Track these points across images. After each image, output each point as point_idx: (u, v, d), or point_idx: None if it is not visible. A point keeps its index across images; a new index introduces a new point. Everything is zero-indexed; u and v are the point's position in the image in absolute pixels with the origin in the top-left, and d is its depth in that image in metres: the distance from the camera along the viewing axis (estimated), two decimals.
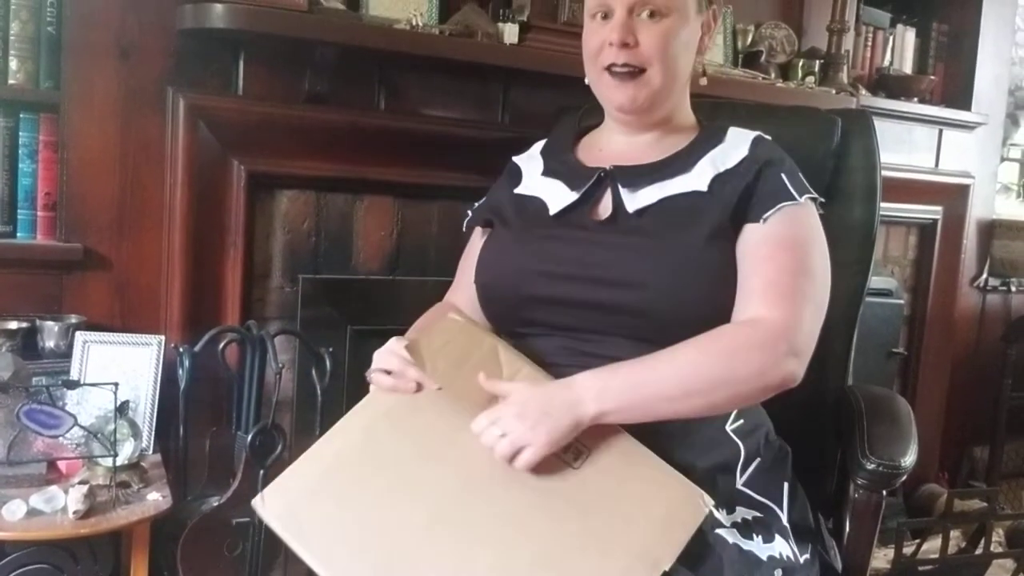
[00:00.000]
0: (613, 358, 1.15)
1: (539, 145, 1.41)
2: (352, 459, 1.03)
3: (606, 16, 1.23)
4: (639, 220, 1.20)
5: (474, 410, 1.07)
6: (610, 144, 1.31)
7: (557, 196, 1.26)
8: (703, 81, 1.32)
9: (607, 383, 1.06)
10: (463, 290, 1.37)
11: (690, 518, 1.01)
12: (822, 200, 1.25)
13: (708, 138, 1.28)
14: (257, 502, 1.02)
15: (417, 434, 1.06)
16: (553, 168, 1.32)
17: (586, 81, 1.30)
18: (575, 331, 1.19)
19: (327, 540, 0.97)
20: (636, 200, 1.21)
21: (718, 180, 1.21)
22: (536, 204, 1.28)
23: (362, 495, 1.00)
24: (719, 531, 1.07)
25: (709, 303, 1.15)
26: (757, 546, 1.08)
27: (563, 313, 1.19)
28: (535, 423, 1.02)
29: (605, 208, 1.24)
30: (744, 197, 1.19)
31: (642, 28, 1.20)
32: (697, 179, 1.22)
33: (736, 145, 1.25)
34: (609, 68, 1.23)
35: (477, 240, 1.37)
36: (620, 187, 1.22)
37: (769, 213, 1.18)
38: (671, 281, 1.14)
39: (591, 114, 1.40)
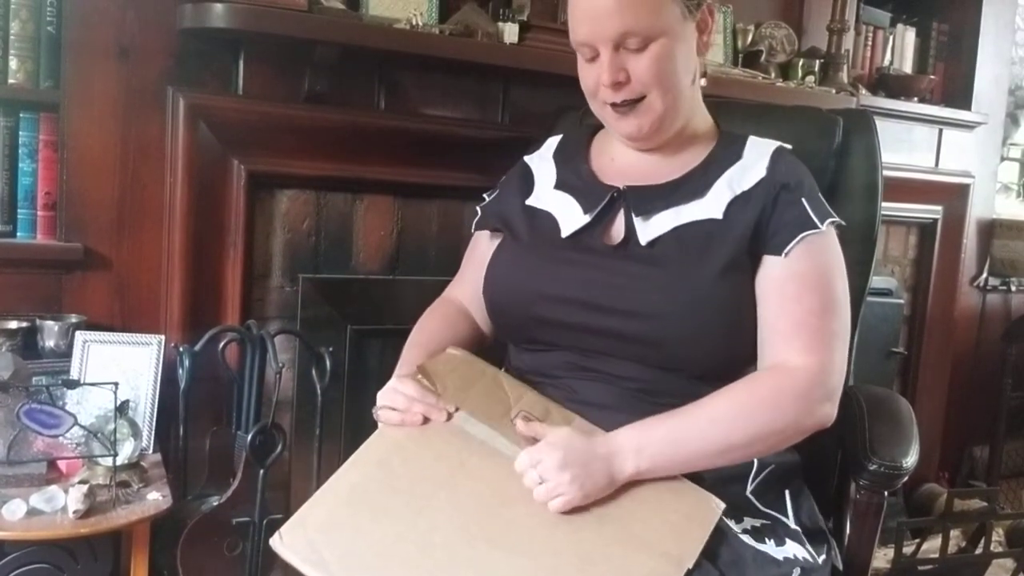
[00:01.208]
0: (616, 376, 1.15)
1: (552, 144, 1.37)
2: (368, 489, 1.04)
3: (593, 54, 1.17)
4: (652, 249, 1.17)
5: (485, 432, 1.08)
6: (624, 156, 1.27)
7: (570, 216, 1.23)
8: (703, 82, 1.27)
9: (646, 443, 1.06)
10: (466, 285, 1.36)
11: (706, 518, 1.03)
12: (842, 223, 1.21)
13: (726, 152, 1.23)
14: (275, 541, 1.01)
15: (430, 461, 1.06)
16: (566, 181, 1.28)
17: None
18: (582, 351, 1.18)
19: (350, 570, 0.97)
20: (649, 229, 1.18)
21: (734, 205, 1.17)
22: (548, 221, 1.25)
23: (381, 523, 1.00)
24: (734, 533, 1.08)
25: (720, 334, 1.14)
26: (771, 548, 1.09)
27: (571, 336, 1.18)
28: (573, 476, 1.02)
29: (617, 232, 1.20)
30: (760, 225, 1.16)
31: (631, 60, 1.15)
32: (713, 204, 1.18)
33: (755, 162, 1.21)
34: (611, 104, 1.19)
35: (484, 241, 1.35)
36: (633, 213, 1.19)
37: (791, 247, 1.14)
38: (683, 313, 1.12)
39: (592, 113, 1.39)
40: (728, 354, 1.16)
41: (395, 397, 1.11)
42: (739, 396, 1.10)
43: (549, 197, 1.28)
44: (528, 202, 1.30)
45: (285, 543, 1.00)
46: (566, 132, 1.40)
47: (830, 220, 1.18)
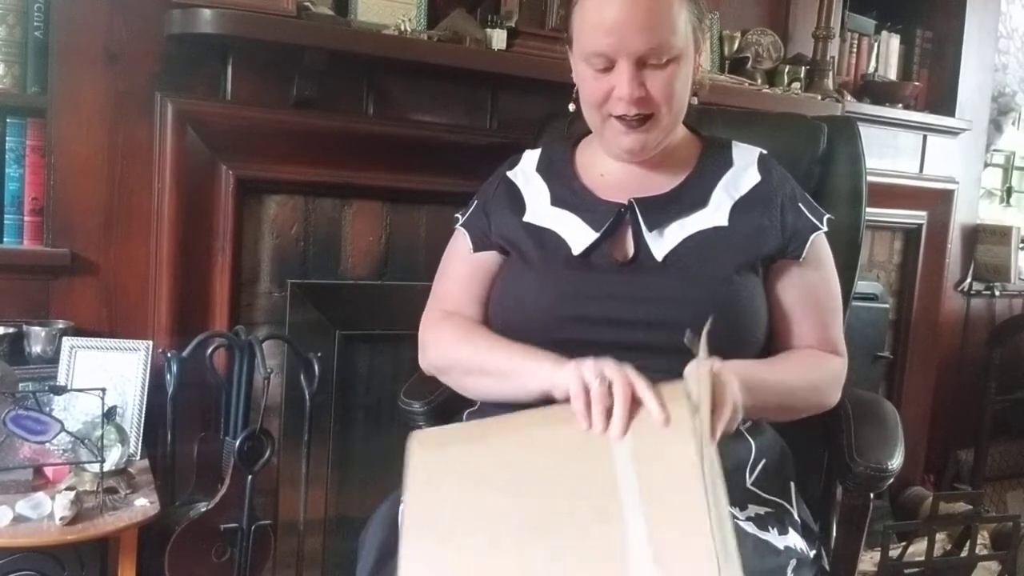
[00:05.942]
0: None
1: (531, 159, 1.35)
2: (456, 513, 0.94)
3: (607, 65, 1.15)
4: (663, 262, 1.19)
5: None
6: (613, 171, 1.27)
7: (577, 233, 1.23)
8: (694, 100, 1.28)
9: (750, 384, 1.05)
10: (474, 306, 1.31)
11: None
12: (831, 217, 1.28)
13: (715, 159, 1.27)
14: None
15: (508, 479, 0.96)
16: (562, 198, 1.27)
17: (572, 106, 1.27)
18: None
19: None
20: (661, 244, 1.20)
21: (736, 210, 1.23)
22: (554, 240, 1.24)
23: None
24: (737, 522, 1.07)
25: (741, 334, 1.18)
26: (773, 537, 1.10)
27: (596, 355, 1.15)
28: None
29: (628, 247, 1.21)
30: (773, 235, 1.23)
31: (649, 75, 1.15)
32: (716, 213, 1.22)
33: (745, 167, 1.27)
34: (619, 116, 1.18)
35: (466, 255, 1.32)
36: (643, 228, 1.21)
37: (805, 250, 1.23)
38: (704, 318, 1.11)
39: (575, 121, 1.38)
40: (745, 355, 1.19)
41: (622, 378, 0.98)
42: (796, 354, 1.23)
43: (547, 214, 1.27)
44: (526, 220, 1.28)
45: None
46: (543, 146, 1.39)
47: (826, 217, 1.27)
